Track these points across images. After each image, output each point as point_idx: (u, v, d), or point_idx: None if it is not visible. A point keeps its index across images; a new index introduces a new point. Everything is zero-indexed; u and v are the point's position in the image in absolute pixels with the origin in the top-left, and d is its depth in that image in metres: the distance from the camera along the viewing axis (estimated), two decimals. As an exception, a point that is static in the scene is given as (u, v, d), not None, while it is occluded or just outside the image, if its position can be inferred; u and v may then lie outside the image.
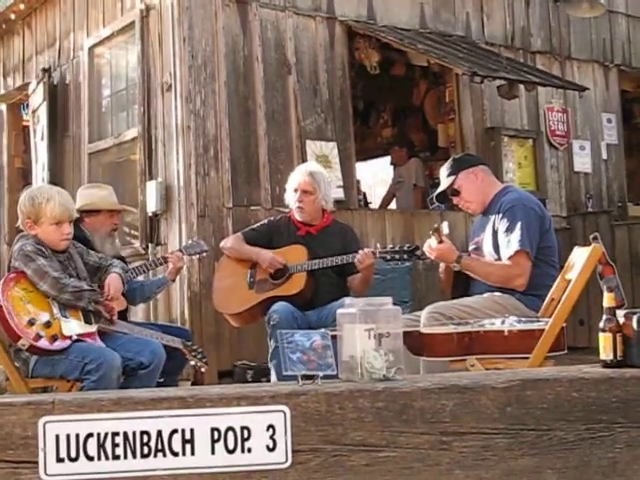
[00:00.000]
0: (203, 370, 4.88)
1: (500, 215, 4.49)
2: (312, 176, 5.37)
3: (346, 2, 7.86)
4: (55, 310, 4.24)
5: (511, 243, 4.36)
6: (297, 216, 5.41)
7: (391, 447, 2.86)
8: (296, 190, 5.38)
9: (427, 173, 9.76)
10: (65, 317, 4.25)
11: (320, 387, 2.91)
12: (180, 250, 5.45)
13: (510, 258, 4.36)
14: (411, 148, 10.28)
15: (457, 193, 4.74)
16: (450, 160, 4.93)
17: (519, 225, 4.37)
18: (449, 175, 4.76)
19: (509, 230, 4.40)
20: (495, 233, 4.49)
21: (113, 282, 4.51)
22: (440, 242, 4.46)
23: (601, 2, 8.91)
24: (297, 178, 5.42)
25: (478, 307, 4.32)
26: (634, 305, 3.96)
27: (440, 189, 4.85)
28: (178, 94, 6.92)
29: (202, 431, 2.80)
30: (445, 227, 4.50)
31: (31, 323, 4.12)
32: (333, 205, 5.79)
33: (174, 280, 5.47)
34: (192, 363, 4.80)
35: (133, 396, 2.87)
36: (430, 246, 4.50)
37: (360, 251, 5.08)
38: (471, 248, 4.74)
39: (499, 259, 4.45)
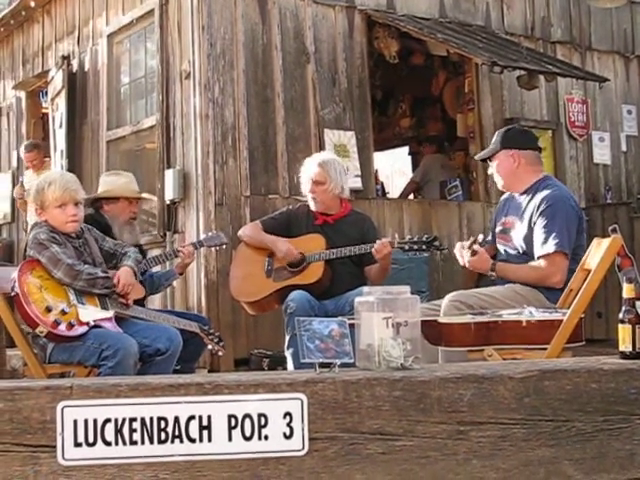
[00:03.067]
0: (220, 354, 4.88)
1: (539, 211, 4.38)
2: (322, 166, 5.37)
3: (365, -9, 7.85)
4: (71, 297, 4.26)
5: (548, 243, 4.29)
6: (311, 207, 5.42)
7: (408, 436, 2.86)
8: (308, 181, 5.41)
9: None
10: (82, 303, 4.27)
11: (337, 375, 2.91)
12: (193, 244, 5.43)
13: (545, 257, 4.30)
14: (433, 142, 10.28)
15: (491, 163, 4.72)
16: (506, 129, 4.84)
17: (559, 225, 4.30)
18: (494, 144, 4.70)
19: (547, 228, 4.32)
20: (531, 227, 4.41)
21: (123, 276, 4.47)
22: (474, 253, 4.40)
23: (623, -8, 8.83)
24: (308, 169, 5.44)
25: (499, 297, 4.31)
26: (653, 297, 3.93)
27: (484, 152, 4.85)
28: (197, 82, 6.92)
29: (219, 418, 2.80)
30: (480, 238, 4.44)
31: (48, 310, 4.14)
32: (351, 195, 5.78)
33: (182, 274, 5.47)
34: (209, 347, 4.80)
35: (151, 382, 2.87)
36: (462, 256, 4.47)
37: (378, 241, 5.07)
38: (498, 229, 4.69)
39: (526, 252, 4.41)
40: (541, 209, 4.39)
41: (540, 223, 4.36)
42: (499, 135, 4.72)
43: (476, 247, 4.39)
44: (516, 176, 4.61)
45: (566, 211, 4.37)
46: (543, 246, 4.32)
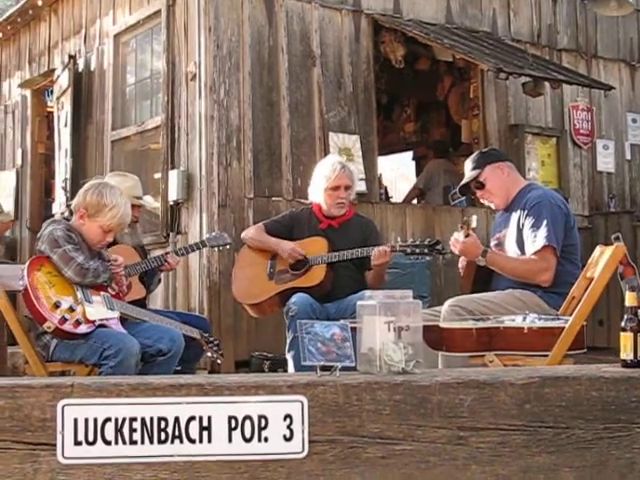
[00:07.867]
0: (219, 362, 4.91)
1: (526, 211, 4.48)
2: (349, 170, 5.37)
3: (372, -5, 7.85)
4: (79, 294, 4.27)
5: (537, 239, 4.36)
6: (336, 212, 5.35)
7: (408, 440, 2.86)
8: (336, 187, 5.31)
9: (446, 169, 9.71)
10: (89, 302, 4.27)
11: (338, 378, 2.91)
12: (176, 252, 5.37)
13: (536, 253, 4.36)
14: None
15: (481, 186, 4.73)
16: (476, 153, 4.93)
17: (545, 221, 4.36)
18: (474, 168, 4.75)
19: (535, 226, 4.39)
20: (520, 229, 4.48)
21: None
22: (466, 236, 4.45)
23: (629, 1, 8.81)
24: (333, 174, 5.32)
25: (499, 302, 4.32)
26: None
27: (464, 181, 4.84)
28: (202, 84, 6.93)
29: (219, 419, 2.81)
30: (474, 221, 4.49)
31: (57, 306, 4.15)
32: (355, 198, 5.78)
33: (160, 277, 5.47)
34: (208, 355, 4.81)
35: (152, 382, 2.88)
36: (456, 240, 4.49)
37: (378, 247, 5.05)
38: (493, 244, 4.73)
39: (523, 255, 4.44)
40: (527, 210, 4.48)
41: (528, 223, 4.45)
42: (475, 159, 4.81)
43: (470, 232, 4.45)
44: (507, 187, 4.70)
45: (551, 208, 4.45)
46: (533, 244, 4.40)
